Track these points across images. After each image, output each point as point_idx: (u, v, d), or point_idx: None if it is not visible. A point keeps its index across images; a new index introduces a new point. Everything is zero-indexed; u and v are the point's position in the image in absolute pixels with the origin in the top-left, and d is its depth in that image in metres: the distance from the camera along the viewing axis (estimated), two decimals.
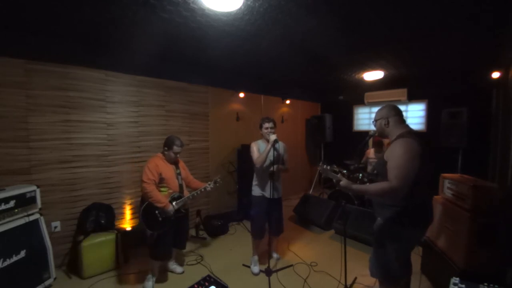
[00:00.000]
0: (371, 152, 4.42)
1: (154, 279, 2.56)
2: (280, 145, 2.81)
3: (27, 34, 2.55)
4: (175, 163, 2.64)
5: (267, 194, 2.72)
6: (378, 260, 1.77)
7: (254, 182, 2.84)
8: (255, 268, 2.82)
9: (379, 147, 4.19)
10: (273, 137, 2.57)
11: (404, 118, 1.83)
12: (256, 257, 2.91)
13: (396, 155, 1.59)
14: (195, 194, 2.61)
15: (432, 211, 1.75)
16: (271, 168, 2.61)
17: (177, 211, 2.50)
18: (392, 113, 1.79)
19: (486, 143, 4.01)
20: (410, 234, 1.69)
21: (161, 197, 2.41)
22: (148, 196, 2.37)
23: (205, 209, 4.18)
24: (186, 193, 2.65)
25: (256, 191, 2.82)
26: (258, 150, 2.75)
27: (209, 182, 2.69)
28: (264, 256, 2.95)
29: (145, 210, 2.40)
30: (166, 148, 2.54)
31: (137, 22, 2.30)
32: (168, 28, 2.42)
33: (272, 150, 2.57)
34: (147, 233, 2.47)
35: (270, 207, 2.72)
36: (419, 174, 1.54)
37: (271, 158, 2.60)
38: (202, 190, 2.64)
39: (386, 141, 3.98)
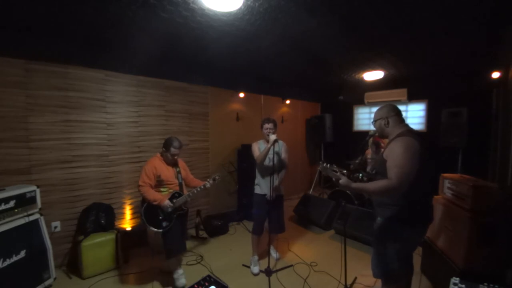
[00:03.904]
0: (370, 153, 4.41)
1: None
2: (280, 145, 2.84)
3: (27, 34, 2.55)
4: (174, 164, 2.63)
5: (268, 193, 2.73)
6: (379, 260, 1.77)
7: (256, 181, 2.89)
8: (255, 269, 2.83)
9: (376, 148, 4.17)
10: (272, 137, 2.61)
11: (404, 118, 1.83)
12: (256, 257, 2.92)
13: (395, 153, 1.59)
14: (195, 192, 2.61)
15: (432, 210, 1.75)
16: (271, 166, 2.63)
17: (177, 209, 2.51)
18: (392, 113, 1.79)
19: (486, 143, 4.01)
20: (410, 233, 1.68)
21: (155, 195, 2.43)
22: (144, 196, 2.43)
23: (205, 209, 4.18)
24: (186, 192, 2.66)
25: (257, 189, 2.87)
26: (259, 149, 2.83)
27: (208, 180, 2.70)
28: (264, 256, 2.95)
29: (147, 210, 2.44)
30: (164, 150, 2.54)
31: (137, 22, 2.30)
32: (168, 28, 2.42)
33: (272, 149, 2.60)
34: (149, 233, 2.47)
35: (270, 205, 2.74)
36: (419, 173, 1.54)
37: (271, 156, 2.63)
38: (202, 187, 2.64)
39: (385, 141, 3.98)
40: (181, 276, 2.54)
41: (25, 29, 2.48)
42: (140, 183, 2.42)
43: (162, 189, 2.52)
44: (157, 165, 2.50)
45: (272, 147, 2.60)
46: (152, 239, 3.18)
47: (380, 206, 1.76)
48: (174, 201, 2.50)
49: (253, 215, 2.91)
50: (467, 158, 3.92)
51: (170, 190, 2.55)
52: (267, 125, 2.73)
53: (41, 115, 2.73)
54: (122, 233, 3.00)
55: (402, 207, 1.64)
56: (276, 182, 2.72)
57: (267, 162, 2.75)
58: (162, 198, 2.45)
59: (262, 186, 2.83)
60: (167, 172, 2.54)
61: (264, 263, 2.82)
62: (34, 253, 2.35)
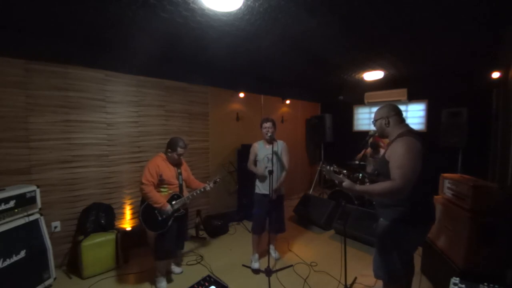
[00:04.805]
0: (369, 153, 4.40)
1: (165, 279, 2.58)
2: (280, 145, 2.84)
3: (27, 34, 2.55)
4: (177, 164, 2.63)
5: (268, 193, 2.73)
6: (382, 260, 1.77)
7: (256, 181, 2.90)
8: (255, 265, 2.84)
9: (376, 149, 4.17)
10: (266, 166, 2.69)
11: (404, 117, 1.82)
12: (256, 255, 2.93)
13: (398, 154, 1.58)
14: (195, 194, 2.61)
15: (434, 210, 1.75)
16: (270, 168, 2.63)
17: (176, 210, 2.51)
18: (392, 112, 1.79)
19: (486, 143, 4.01)
20: (413, 234, 1.68)
21: (158, 198, 2.41)
22: (147, 197, 2.39)
23: (205, 209, 4.18)
24: (186, 193, 2.65)
25: (257, 189, 2.88)
26: (256, 154, 2.85)
27: (209, 182, 2.70)
28: (264, 256, 2.95)
29: (144, 211, 2.41)
30: (169, 150, 2.52)
31: (137, 22, 2.30)
32: (168, 28, 2.42)
33: (271, 148, 2.62)
34: (148, 233, 2.47)
35: (270, 205, 2.75)
36: (422, 173, 1.54)
37: (269, 156, 2.65)
38: (202, 190, 2.64)
39: (385, 141, 3.98)
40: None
41: (25, 29, 2.48)
42: (144, 181, 2.38)
43: (162, 189, 2.51)
44: (160, 164, 2.49)
45: (271, 150, 2.62)
46: (152, 239, 3.18)
47: (382, 207, 1.76)
48: (173, 203, 2.49)
49: (253, 214, 2.91)
50: (467, 158, 3.92)
51: (170, 191, 2.54)
52: (265, 124, 2.76)
53: (41, 115, 2.73)
54: (122, 233, 3.00)
55: (404, 208, 1.64)
56: (274, 183, 2.72)
57: (266, 162, 2.75)
58: (165, 202, 2.44)
59: (261, 187, 2.84)
60: (169, 172, 2.53)
61: (264, 263, 2.82)
62: (34, 253, 2.34)
